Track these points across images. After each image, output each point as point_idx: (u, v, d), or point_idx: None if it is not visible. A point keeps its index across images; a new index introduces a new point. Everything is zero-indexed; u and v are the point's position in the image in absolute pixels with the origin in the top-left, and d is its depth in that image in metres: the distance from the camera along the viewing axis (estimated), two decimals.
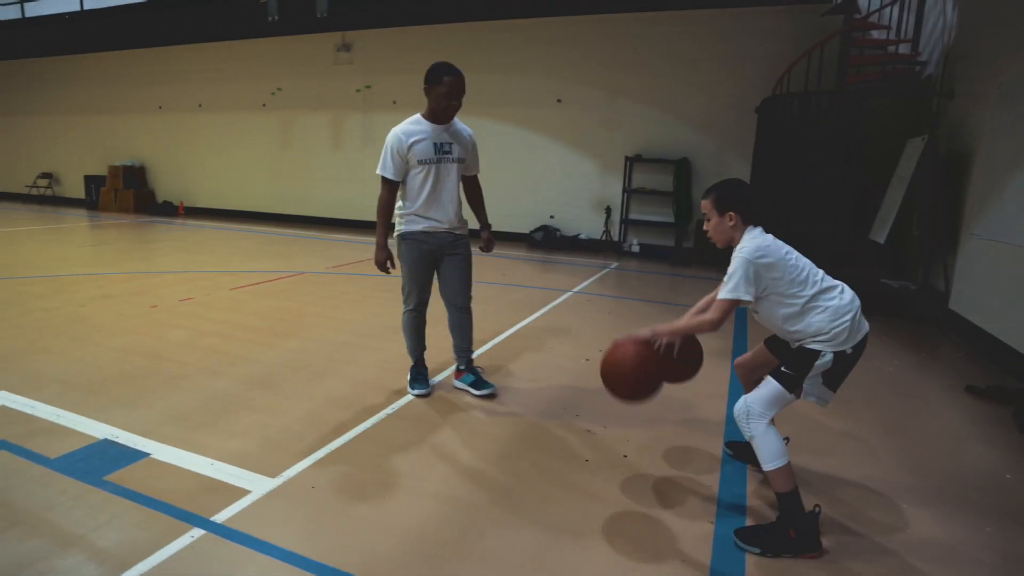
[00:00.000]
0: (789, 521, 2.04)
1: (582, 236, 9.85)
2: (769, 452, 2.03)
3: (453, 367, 3.50)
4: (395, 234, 3.18)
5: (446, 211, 3.13)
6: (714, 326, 2.10)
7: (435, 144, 3.04)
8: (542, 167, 9.99)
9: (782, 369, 2.08)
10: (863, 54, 6.71)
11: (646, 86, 9.17)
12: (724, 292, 2.09)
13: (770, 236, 2.14)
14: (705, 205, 2.21)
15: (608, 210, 9.64)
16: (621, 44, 9.22)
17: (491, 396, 3.29)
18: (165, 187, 13.57)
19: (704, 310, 2.31)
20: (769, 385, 2.08)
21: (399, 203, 3.15)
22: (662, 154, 9.12)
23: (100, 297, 5.25)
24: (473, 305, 3.37)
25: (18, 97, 15.11)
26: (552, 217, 10.07)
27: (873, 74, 6.60)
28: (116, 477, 2.34)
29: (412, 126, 3.03)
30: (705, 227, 2.23)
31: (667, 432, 2.96)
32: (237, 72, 12.15)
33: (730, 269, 2.10)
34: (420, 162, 3.03)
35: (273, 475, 2.40)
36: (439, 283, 3.28)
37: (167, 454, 2.54)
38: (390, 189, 3.08)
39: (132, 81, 13.39)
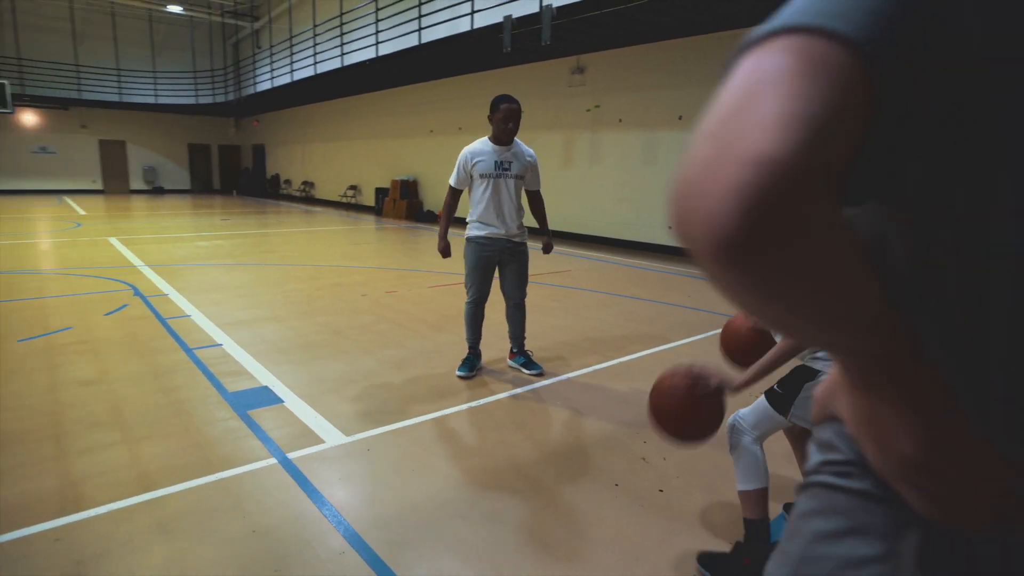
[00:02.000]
0: (747, 548, 1.83)
1: None
2: (744, 472, 1.87)
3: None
4: (465, 236, 3.80)
5: (503, 219, 3.63)
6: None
7: (496, 162, 3.59)
8: None
9: (773, 387, 1.89)
10: None
11: None
12: None
13: None
14: None
15: None
16: None
17: (540, 375, 3.84)
18: (430, 198, 16.14)
19: None
20: (758, 402, 1.92)
21: (469, 213, 3.75)
22: None
23: (333, 284, 6.72)
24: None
25: (336, 127, 19.67)
26: None
27: None
28: (254, 413, 3.17)
29: (479, 146, 3.66)
30: None
31: (724, 482, 2.69)
32: (487, 98, 13.85)
33: None
34: (482, 176, 3.60)
35: (348, 434, 2.95)
36: (500, 281, 3.82)
37: (294, 404, 3.31)
38: (453, 195, 3.81)
39: (411, 110, 16.31)
